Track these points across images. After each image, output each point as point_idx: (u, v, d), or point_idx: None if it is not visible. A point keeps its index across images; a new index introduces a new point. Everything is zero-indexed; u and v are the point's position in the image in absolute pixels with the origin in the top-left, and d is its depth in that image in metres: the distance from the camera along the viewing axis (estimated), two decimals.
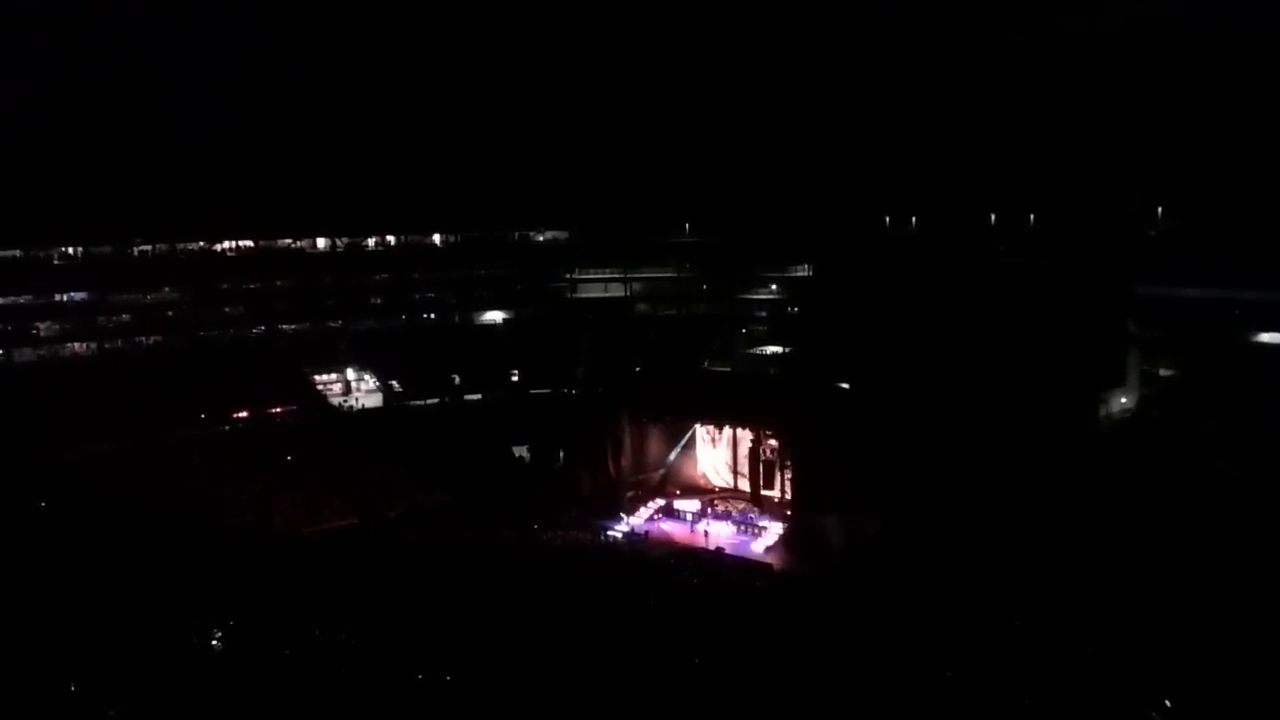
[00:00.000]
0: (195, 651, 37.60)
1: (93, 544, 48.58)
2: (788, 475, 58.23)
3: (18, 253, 77.55)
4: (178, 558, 47.67)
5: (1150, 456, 55.19)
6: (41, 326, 77.52)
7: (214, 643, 38.97)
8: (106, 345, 79.14)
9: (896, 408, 58.58)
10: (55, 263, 79.65)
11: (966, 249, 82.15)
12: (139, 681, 33.76)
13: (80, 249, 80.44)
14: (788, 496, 57.51)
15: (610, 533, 58.32)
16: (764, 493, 60.59)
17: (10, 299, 75.92)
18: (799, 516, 53.96)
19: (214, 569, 46.22)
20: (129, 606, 40.19)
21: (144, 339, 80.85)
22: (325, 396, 79.75)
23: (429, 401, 79.07)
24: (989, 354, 65.27)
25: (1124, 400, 67.60)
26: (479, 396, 79.90)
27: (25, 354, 75.44)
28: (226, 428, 70.83)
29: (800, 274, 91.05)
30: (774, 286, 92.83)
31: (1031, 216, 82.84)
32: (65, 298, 78.92)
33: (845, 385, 68.45)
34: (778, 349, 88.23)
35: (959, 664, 36.79)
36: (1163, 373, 67.91)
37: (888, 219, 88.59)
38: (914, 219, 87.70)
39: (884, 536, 49.96)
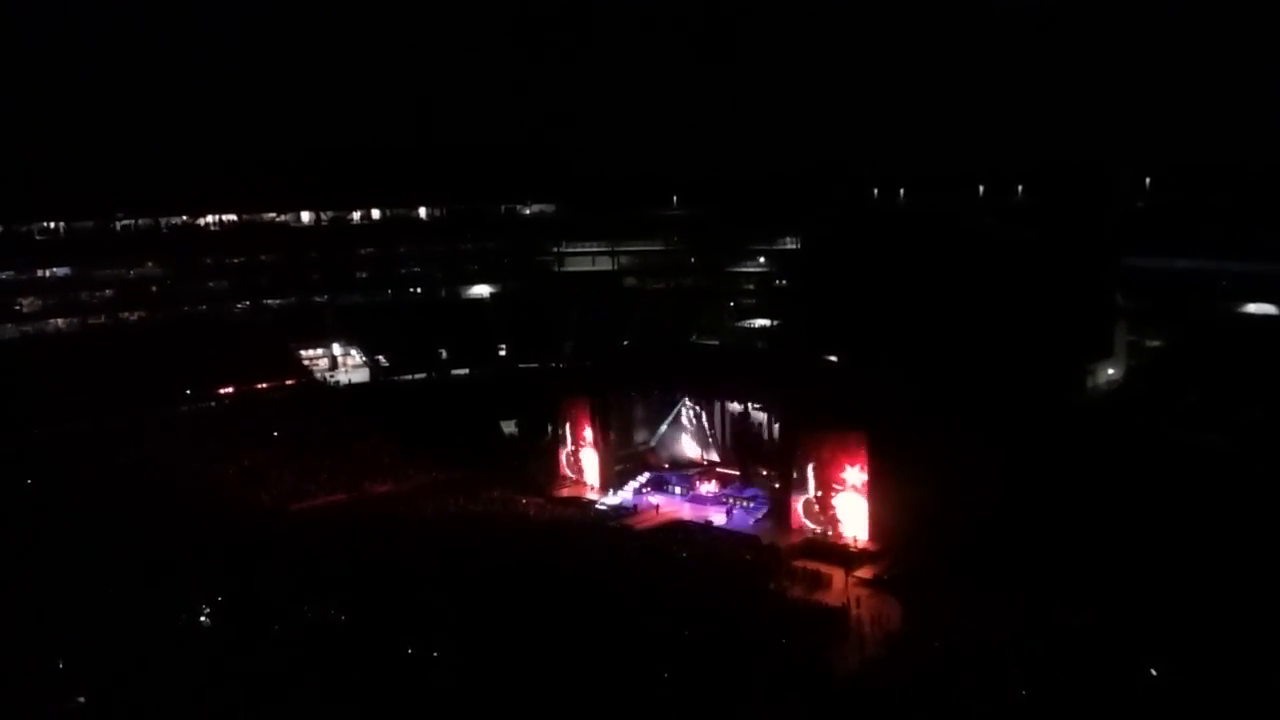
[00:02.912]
0: (183, 628, 37.48)
1: (78, 521, 48.32)
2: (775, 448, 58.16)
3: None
4: (165, 535, 47.43)
5: (1137, 427, 55.35)
6: (24, 303, 76.98)
7: (202, 619, 38.84)
8: (90, 321, 78.68)
9: (885, 380, 58.45)
10: (37, 238, 78.97)
11: (954, 221, 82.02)
12: (126, 658, 33.65)
13: (62, 224, 79.76)
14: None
15: (598, 506, 58.31)
16: (752, 466, 60.54)
17: None
18: (786, 489, 53.91)
19: (201, 545, 46.01)
20: (115, 584, 40.03)
21: (127, 314, 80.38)
22: (312, 371, 79.42)
23: (416, 376, 78.84)
24: (976, 326, 65.23)
25: (1111, 371, 67.79)
26: (466, 371, 79.70)
27: (7, 330, 74.86)
28: (213, 403, 70.45)
29: (788, 247, 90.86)
30: (762, 259, 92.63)
31: (1019, 188, 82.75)
32: (47, 273, 78.33)
33: (834, 358, 68.45)
34: (766, 322, 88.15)
35: (945, 637, 37.07)
36: (1150, 344, 68.09)
37: (876, 191, 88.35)
38: (901, 191, 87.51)
39: (872, 509, 49.99)
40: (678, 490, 60.37)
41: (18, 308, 76.42)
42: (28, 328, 76.07)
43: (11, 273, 76.34)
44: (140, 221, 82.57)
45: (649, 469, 63.03)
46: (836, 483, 50.89)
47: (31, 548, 44.36)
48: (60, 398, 62.90)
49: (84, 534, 46.77)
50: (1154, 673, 32.02)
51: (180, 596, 39.68)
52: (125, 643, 34.74)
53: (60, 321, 77.88)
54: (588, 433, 62.49)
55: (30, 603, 37.63)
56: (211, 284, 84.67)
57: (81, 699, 31.38)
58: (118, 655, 33.81)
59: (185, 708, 30.74)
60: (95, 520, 48.67)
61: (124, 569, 41.79)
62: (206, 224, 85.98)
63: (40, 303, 77.43)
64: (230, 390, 71.63)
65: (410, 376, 78.87)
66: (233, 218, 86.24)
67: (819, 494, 51.50)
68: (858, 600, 43.22)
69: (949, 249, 75.03)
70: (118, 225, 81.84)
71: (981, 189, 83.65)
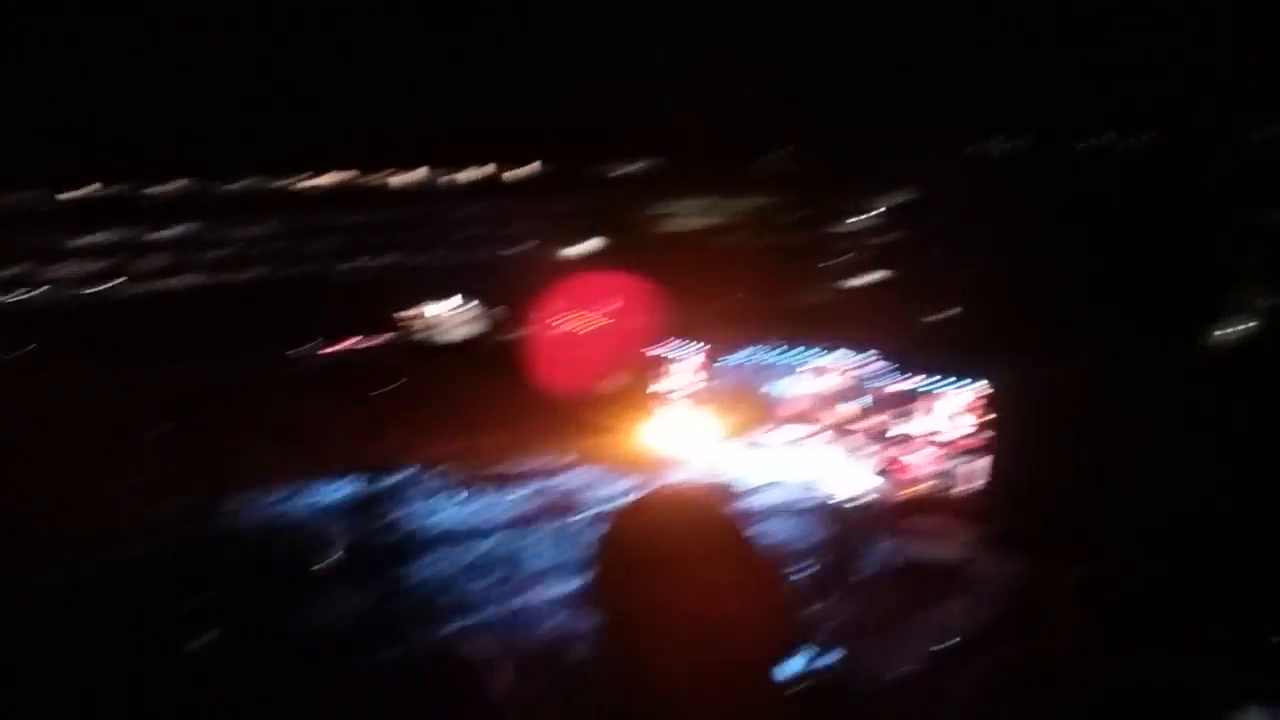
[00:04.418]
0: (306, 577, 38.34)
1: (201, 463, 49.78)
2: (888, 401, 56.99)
3: (122, 188, 79.18)
4: (277, 486, 48.65)
5: (1255, 392, 52.82)
6: (143, 260, 79.26)
7: (317, 567, 39.69)
8: (205, 280, 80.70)
9: (1003, 334, 56.85)
10: (155, 199, 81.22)
11: (1070, 174, 79.36)
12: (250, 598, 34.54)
13: (179, 185, 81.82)
14: None
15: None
16: (863, 420, 59.44)
17: (114, 234, 77.68)
18: (901, 443, 52.94)
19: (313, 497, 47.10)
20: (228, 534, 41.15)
21: (241, 273, 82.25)
22: (413, 330, 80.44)
23: (520, 334, 79.10)
24: (1090, 283, 63.09)
25: (1228, 331, 64.92)
26: (567, 329, 79.66)
27: (128, 287, 77.30)
28: (323, 360, 71.92)
29: (901, 200, 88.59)
30: (871, 213, 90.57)
31: (1142, 137, 79.42)
32: (165, 233, 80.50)
33: (948, 313, 66.96)
34: (876, 276, 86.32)
35: (1063, 599, 35.87)
36: (1269, 303, 65.02)
37: (993, 141, 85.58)
38: (1019, 141, 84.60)
39: (991, 464, 48.70)
40: (779, 445, 59.54)
41: (137, 265, 78.79)
42: (146, 285, 78.31)
43: (132, 232, 78.68)
44: (255, 182, 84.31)
45: (755, 425, 62.35)
46: (953, 436, 49.79)
47: (158, 493, 45.89)
48: (177, 350, 64.83)
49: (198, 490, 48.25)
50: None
51: (299, 544, 40.67)
52: (249, 584, 35.67)
53: (176, 280, 80.00)
54: (689, 390, 62.18)
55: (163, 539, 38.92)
56: (319, 244, 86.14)
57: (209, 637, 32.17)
58: (241, 594, 34.72)
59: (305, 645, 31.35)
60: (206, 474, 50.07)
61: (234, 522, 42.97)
62: (315, 185, 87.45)
63: (158, 261, 79.67)
64: (339, 347, 72.96)
65: (510, 335, 79.22)
66: (343, 177, 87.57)
67: (936, 447, 50.51)
68: (973, 557, 42.23)
69: (1064, 203, 72.59)
70: (235, 186, 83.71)
71: (1103, 139, 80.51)
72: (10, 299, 73.08)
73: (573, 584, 33.48)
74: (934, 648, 34.15)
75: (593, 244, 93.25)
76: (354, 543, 41.51)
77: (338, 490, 50.90)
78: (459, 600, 36.19)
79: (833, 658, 31.96)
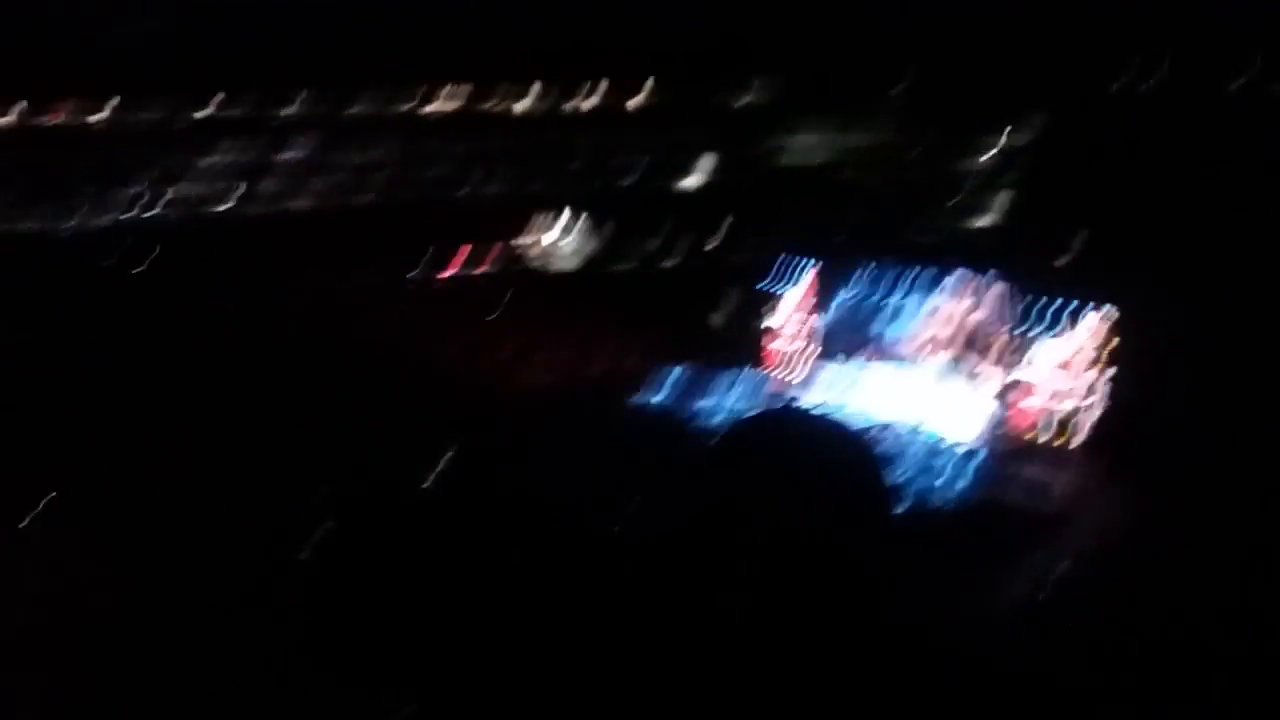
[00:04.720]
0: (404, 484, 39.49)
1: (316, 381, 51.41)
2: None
3: (244, 109, 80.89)
4: (392, 403, 50.00)
5: None
6: (263, 182, 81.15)
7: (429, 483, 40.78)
8: (321, 204, 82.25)
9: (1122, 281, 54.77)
10: (274, 123, 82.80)
11: (1206, 117, 75.26)
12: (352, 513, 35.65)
13: (298, 109, 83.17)
14: None
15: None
16: (968, 359, 58.31)
17: (235, 154, 79.67)
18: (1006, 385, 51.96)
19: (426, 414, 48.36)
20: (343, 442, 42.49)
21: (357, 198, 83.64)
22: (525, 258, 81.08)
23: (626, 266, 79.23)
24: (1229, 242, 60.10)
25: None
26: (677, 261, 79.56)
27: (252, 208, 79.34)
28: (434, 286, 73.32)
29: (1024, 140, 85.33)
30: (993, 153, 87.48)
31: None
32: (284, 156, 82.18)
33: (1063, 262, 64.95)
34: (994, 218, 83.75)
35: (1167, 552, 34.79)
36: None
37: (1123, 80, 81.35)
38: (1152, 80, 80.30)
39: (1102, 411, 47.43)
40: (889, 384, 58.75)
41: (257, 186, 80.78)
42: (265, 207, 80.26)
43: (254, 155, 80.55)
44: (369, 108, 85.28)
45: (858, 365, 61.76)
46: (1065, 384, 48.59)
47: (270, 408, 47.60)
48: (294, 271, 66.79)
49: (312, 402, 49.80)
50: None
51: (407, 456, 41.90)
52: (355, 497, 36.81)
53: (295, 202, 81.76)
54: (797, 328, 61.80)
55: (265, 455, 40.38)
56: (434, 170, 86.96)
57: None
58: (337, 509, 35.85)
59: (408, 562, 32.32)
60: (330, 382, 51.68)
61: (351, 427, 44.35)
62: (430, 112, 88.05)
63: (277, 183, 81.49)
64: (450, 274, 74.25)
65: (621, 266, 79.39)
66: (455, 105, 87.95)
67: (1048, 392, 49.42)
68: (1078, 506, 41.37)
69: (1198, 146, 69.05)
70: (350, 112, 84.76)
71: (1243, 80, 75.97)
72: (131, 216, 75.46)
73: None
74: (1030, 594, 33.73)
75: (708, 175, 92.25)
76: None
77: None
78: None
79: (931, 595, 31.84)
